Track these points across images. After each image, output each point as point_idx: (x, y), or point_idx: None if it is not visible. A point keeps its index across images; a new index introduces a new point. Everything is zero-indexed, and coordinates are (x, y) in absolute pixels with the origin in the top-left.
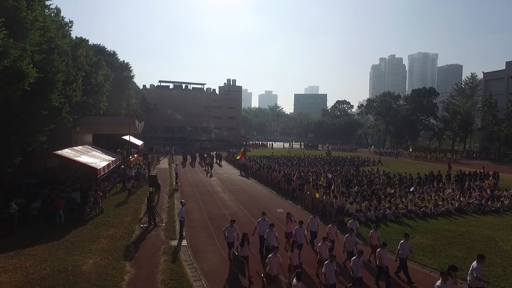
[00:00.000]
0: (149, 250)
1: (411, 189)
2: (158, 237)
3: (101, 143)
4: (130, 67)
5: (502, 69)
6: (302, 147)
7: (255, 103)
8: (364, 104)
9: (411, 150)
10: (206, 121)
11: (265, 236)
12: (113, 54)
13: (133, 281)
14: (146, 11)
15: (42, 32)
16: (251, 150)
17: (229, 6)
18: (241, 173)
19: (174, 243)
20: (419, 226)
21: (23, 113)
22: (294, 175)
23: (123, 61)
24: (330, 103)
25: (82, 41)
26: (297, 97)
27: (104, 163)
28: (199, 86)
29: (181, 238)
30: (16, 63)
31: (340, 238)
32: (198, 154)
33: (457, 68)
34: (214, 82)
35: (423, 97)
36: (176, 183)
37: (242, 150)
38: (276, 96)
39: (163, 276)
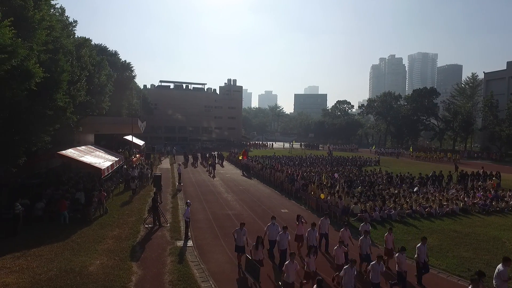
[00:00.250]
0: (155, 250)
1: (414, 189)
2: (164, 238)
3: (102, 143)
4: (132, 67)
5: (503, 69)
6: (303, 147)
7: (255, 103)
8: (365, 104)
9: (411, 150)
10: (206, 121)
11: (277, 239)
12: (115, 54)
13: (140, 282)
14: (146, 11)
15: (48, 31)
16: (251, 150)
17: (228, 6)
18: (243, 173)
19: (180, 243)
20: (424, 227)
21: (28, 113)
22: (297, 175)
23: (125, 61)
24: (330, 103)
25: (86, 41)
26: (297, 97)
27: (108, 163)
28: (200, 86)
29: (186, 238)
30: (23, 63)
31: (348, 241)
32: (200, 154)
33: (457, 68)
34: (214, 82)
35: (424, 97)
36: (179, 183)
37: (244, 150)
38: (276, 96)
39: (171, 277)
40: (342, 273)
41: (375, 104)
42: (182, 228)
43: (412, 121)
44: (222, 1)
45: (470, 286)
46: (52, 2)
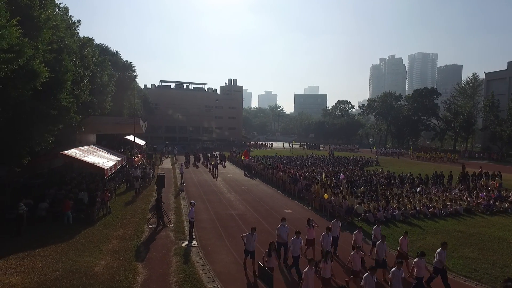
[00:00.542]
0: (160, 251)
1: (417, 190)
2: (168, 238)
3: (103, 143)
4: (133, 67)
5: (503, 69)
6: (304, 147)
7: (255, 103)
8: (365, 104)
9: (411, 150)
10: (207, 121)
11: (290, 245)
12: (116, 54)
13: (146, 283)
14: (146, 11)
15: (53, 31)
16: (252, 150)
17: (228, 6)
18: (245, 173)
19: (184, 243)
20: (428, 227)
21: (32, 113)
22: (300, 175)
23: (126, 60)
24: (330, 103)
25: (89, 41)
26: (297, 97)
27: (111, 163)
28: (200, 86)
29: (191, 238)
30: (29, 62)
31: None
32: (201, 154)
33: (457, 68)
34: (214, 82)
35: (425, 97)
36: (181, 183)
37: (245, 150)
38: (276, 96)
39: (176, 277)
40: (362, 282)
41: (375, 104)
42: (186, 228)
43: (412, 121)
44: (222, 1)
45: None
46: (57, 2)
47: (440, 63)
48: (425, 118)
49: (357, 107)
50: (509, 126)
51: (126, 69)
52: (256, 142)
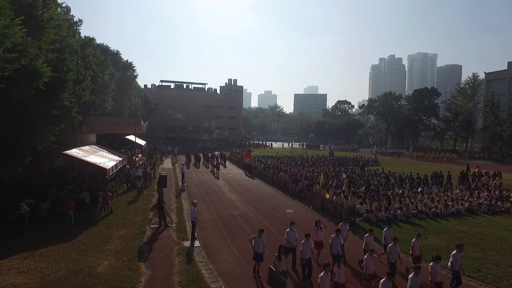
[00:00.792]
0: (162, 251)
1: (418, 189)
2: (170, 238)
3: (103, 143)
4: (134, 66)
5: (503, 69)
6: (304, 147)
7: (254, 103)
8: (365, 104)
9: (411, 150)
10: (207, 121)
11: (300, 248)
12: (117, 54)
13: (150, 283)
14: (146, 11)
15: (55, 30)
16: (252, 150)
17: (228, 6)
18: (245, 173)
19: (187, 244)
20: (431, 227)
21: (34, 113)
22: (301, 175)
23: (127, 60)
24: (329, 103)
25: (90, 40)
26: (297, 97)
27: (112, 163)
28: (200, 86)
29: (193, 239)
30: (31, 62)
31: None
32: (202, 154)
33: (457, 68)
34: (213, 82)
35: (425, 97)
36: (182, 183)
37: (246, 150)
38: (275, 96)
39: (180, 277)
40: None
41: (375, 104)
42: (188, 228)
43: (413, 121)
44: (222, 1)
45: None
46: (59, 1)
47: (440, 63)
48: (425, 118)
49: (357, 107)
50: (509, 126)
51: (127, 69)
52: (256, 142)
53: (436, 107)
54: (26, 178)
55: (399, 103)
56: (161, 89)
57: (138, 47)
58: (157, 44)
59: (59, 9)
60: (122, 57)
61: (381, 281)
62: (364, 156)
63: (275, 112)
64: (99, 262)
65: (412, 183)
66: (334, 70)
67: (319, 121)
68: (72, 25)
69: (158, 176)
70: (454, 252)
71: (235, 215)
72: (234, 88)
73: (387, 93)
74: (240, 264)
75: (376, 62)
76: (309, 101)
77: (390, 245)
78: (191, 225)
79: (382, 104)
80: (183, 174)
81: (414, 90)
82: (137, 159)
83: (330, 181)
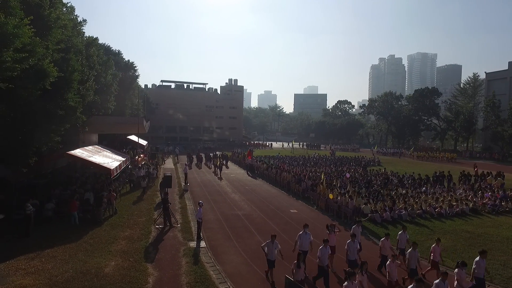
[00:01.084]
0: (168, 251)
1: (422, 189)
2: (176, 239)
3: (104, 143)
4: (135, 66)
5: (504, 69)
6: (304, 147)
7: (254, 103)
8: (365, 104)
9: (411, 150)
10: (208, 121)
11: (318, 254)
12: (118, 54)
13: (158, 284)
14: (146, 11)
15: (62, 30)
16: (253, 150)
17: (227, 6)
18: (248, 173)
19: (193, 244)
20: (436, 227)
21: (40, 113)
22: (305, 175)
23: (128, 60)
24: (329, 103)
25: (94, 40)
26: (297, 97)
27: (116, 163)
28: (201, 86)
29: (199, 239)
30: (38, 62)
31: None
32: (204, 154)
33: (456, 68)
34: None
35: (426, 97)
36: (185, 183)
37: (248, 150)
38: (275, 96)
39: (188, 278)
40: None
41: (376, 104)
42: (193, 228)
43: (413, 121)
44: (222, 1)
45: None
46: (64, 1)
47: (440, 63)
48: (426, 118)
49: (357, 107)
50: (510, 126)
51: (128, 69)
52: (256, 142)
53: (437, 107)
54: (29, 178)
55: (399, 103)
56: (161, 89)
57: (138, 47)
58: (157, 44)
59: (64, 9)
60: (123, 57)
61: (409, 287)
62: (365, 156)
63: (275, 112)
64: (106, 263)
65: (414, 183)
66: (334, 70)
67: (320, 121)
68: (76, 25)
69: (163, 176)
70: (477, 258)
71: (239, 215)
72: (234, 88)
73: (387, 93)
74: (248, 265)
75: (376, 62)
76: (309, 101)
77: (409, 250)
78: (196, 226)
79: (383, 104)
80: (186, 174)
81: (415, 90)
82: (139, 159)
83: (334, 181)
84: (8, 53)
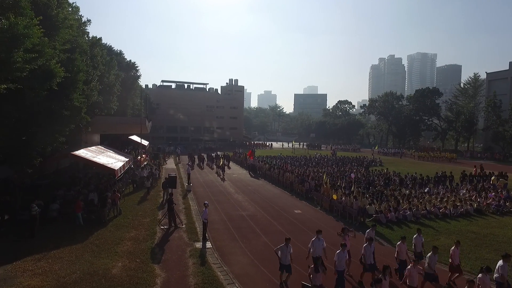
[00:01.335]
0: (175, 252)
1: (426, 190)
2: (181, 239)
3: (106, 143)
4: (137, 66)
5: (505, 69)
6: (305, 147)
7: (254, 103)
8: (366, 104)
9: (413, 151)
10: (208, 121)
11: (335, 259)
12: (120, 54)
13: (166, 285)
14: (145, 11)
15: (69, 31)
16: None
17: (226, 6)
18: (250, 174)
19: (199, 245)
20: (441, 228)
21: (45, 114)
22: (308, 175)
23: (130, 60)
24: (329, 103)
25: (97, 40)
26: (297, 97)
27: (120, 164)
28: (202, 86)
29: (204, 240)
30: (45, 62)
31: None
32: (206, 155)
33: (456, 68)
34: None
35: (426, 97)
36: (188, 183)
37: (250, 150)
38: (275, 96)
39: (196, 279)
40: None
41: (376, 104)
42: (198, 229)
43: (414, 121)
44: (221, 1)
45: None
46: (70, 1)
47: (439, 63)
48: (427, 118)
49: (357, 107)
50: (511, 126)
51: (130, 69)
52: (257, 142)
53: (437, 107)
54: (33, 179)
55: (400, 103)
56: (162, 89)
57: (138, 47)
58: (157, 44)
59: (70, 9)
60: (125, 57)
61: None
62: (366, 156)
63: (275, 112)
64: (113, 264)
65: (415, 183)
66: (333, 70)
67: (320, 121)
68: (81, 25)
69: (168, 176)
70: (500, 262)
71: (244, 216)
72: (235, 88)
73: (388, 93)
74: (255, 266)
75: (376, 62)
76: (309, 101)
77: (429, 254)
78: (201, 226)
79: (384, 104)
80: (189, 174)
81: (416, 90)
82: (141, 159)
83: (338, 181)
84: (19, 53)
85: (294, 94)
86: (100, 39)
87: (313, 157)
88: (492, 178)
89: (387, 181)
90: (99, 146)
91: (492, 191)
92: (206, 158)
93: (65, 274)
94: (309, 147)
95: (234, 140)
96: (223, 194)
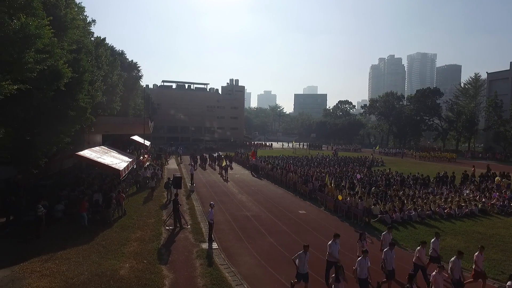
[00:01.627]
0: (181, 253)
1: (429, 190)
2: (187, 240)
3: (107, 143)
4: (139, 66)
5: (506, 69)
6: (304, 147)
7: (254, 103)
8: (367, 104)
9: (413, 151)
10: (209, 121)
11: (355, 267)
12: (122, 54)
13: (174, 286)
14: (145, 11)
15: (76, 31)
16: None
17: (227, 7)
18: (252, 174)
19: (205, 246)
20: (446, 228)
21: (51, 114)
22: (312, 175)
23: (132, 60)
24: (329, 103)
25: (102, 40)
26: (297, 97)
27: (124, 164)
28: (202, 86)
29: (210, 240)
30: (54, 63)
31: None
32: (208, 155)
33: (456, 68)
34: (214, 83)
35: (427, 97)
36: (191, 184)
37: (252, 150)
38: (275, 96)
39: (204, 280)
40: None
41: (377, 104)
42: (204, 229)
43: (415, 121)
44: (222, 1)
45: None
46: (76, 1)
47: (439, 63)
48: (427, 118)
49: (360, 107)
50: None
51: (132, 69)
52: (257, 142)
53: (438, 107)
54: (38, 179)
55: (401, 103)
56: (163, 89)
57: (138, 47)
58: (157, 44)
59: (76, 9)
60: (127, 57)
61: None
62: (368, 156)
63: (276, 112)
64: (120, 265)
65: (416, 183)
66: (333, 70)
67: (321, 121)
68: (86, 25)
69: (173, 176)
70: None
71: (248, 216)
72: (235, 88)
73: (389, 93)
74: (262, 267)
75: (376, 62)
76: (309, 101)
77: (453, 259)
78: (207, 227)
79: (384, 104)
80: (192, 175)
81: (417, 90)
82: (144, 159)
83: (343, 182)
84: (30, 53)
85: (294, 94)
86: (104, 39)
87: (314, 157)
88: (496, 178)
89: (387, 182)
90: (103, 147)
91: (496, 191)
92: (208, 159)
93: (73, 275)
94: (310, 147)
95: (235, 140)
96: (226, 195)
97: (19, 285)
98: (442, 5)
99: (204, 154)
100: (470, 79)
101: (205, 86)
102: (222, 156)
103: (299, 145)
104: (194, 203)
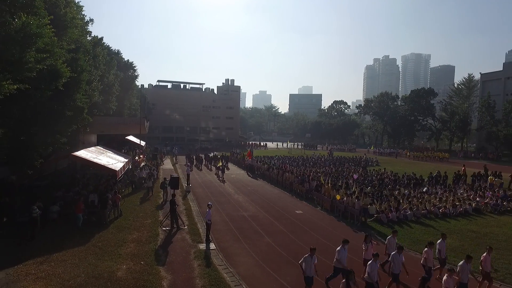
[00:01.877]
0: (179, 254)
1: (424, 190)
2: (185, 241)
3: (102, 144)
4: (135, 66)
5: (499, 70)
6: (299, 147)
7: (249, 103)
8: (361, 105)
9: (407, 151)
10: (204, 121)
11: (367, 270)
12: (118, 53)
13: (172, 287)
14: (141, 10)
15: (75, 30)
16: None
17: (223, 7)
18: (248, 174)
19: (202, 246)
20: (441, 227)
21: (48, 114)
22: (308, 175)
23: (128, 60)
24: (324, 103)
25: (99, 40)
26: (292, 97)
27: (120, 165)
28: (198, 86)
29: (208, 241)
30: (53, 62)
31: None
32: (203, 155)
33: (450, 69)
34: (210, 82)
35: (421, 97)
36: (187, 184)
37: (249, 151)
38: (270, 96)
39: (202, 281)
40: None
41: (372, 104)
42: (201, 230)
43: (409, 121)
44: (217, 1)
45: None
46: (75, 0)
47: (433, 63)
48: (422, 118)
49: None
50: (505, 126)
51: (128, 69)
52: (252, 142)
53: (432, 108)
54: (32, 180)
55: (395, 103)
56: (158, 89)
57: (134, 47)
58: (153, 44)
59: (75, 8)
60: (123, 56)
61: None
62: (363, 156)
63: (271, 112)
64: (117, 266)
65: (410, 183)
66: (328, 70)
67: (316, 121)
68: (84, 25)
69: (170, 177)
70: None
71: (245, 216)
72: (231, 88)
73: (383, 93)
74: (260, 267)
75: (371, 63)
76: (304, 101)
77: (461, 263)
78: (204, 227)
79: (379, 104)
80: (188, 175)
81: (411, 90)
82: (139, 160)
83: (340, 181)
84: (31, 53)
85: (289, 94)
86: (101, 38)
87: (310, 157)
88: (490, 177)
89: (380, 181)
90: (98, 147)
91: (489, 190)
92: (204, 159)
93: (69, 277)
94: (305, 147)
95: (230, 140)
96: (223, 195)
97: None
98: (437, 6)
99: (199, 155)
100: (464, 79)
101: (200, 86)
102: (219, 157)
103: (294, 145)
104: (191, 203)
